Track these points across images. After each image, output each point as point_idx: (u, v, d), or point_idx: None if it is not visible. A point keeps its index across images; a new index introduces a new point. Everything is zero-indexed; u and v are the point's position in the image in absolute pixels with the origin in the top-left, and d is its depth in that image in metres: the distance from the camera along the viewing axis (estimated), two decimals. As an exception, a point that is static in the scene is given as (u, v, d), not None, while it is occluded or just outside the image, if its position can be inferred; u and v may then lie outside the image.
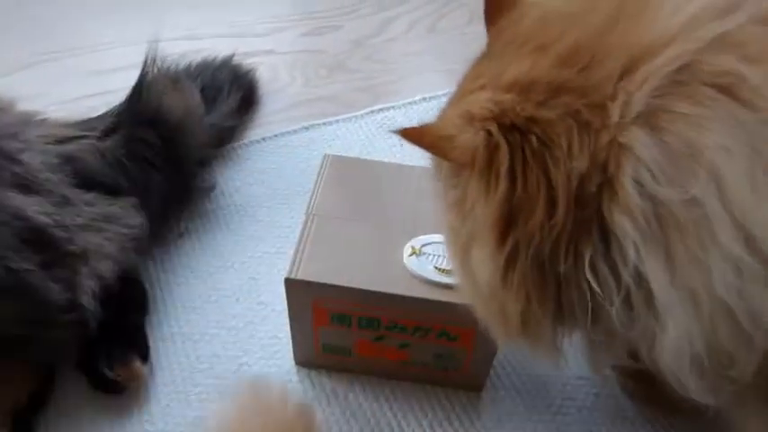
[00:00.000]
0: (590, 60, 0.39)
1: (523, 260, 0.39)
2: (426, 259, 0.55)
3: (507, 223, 0.39)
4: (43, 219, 0.54)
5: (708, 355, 0.36)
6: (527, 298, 0.40)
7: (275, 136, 0.90)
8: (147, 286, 0.68)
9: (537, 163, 0.38)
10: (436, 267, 0.54)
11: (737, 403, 0.43)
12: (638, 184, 0.35)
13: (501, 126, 0.39)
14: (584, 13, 0.41)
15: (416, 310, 0.54)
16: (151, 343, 0.64)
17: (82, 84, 0.97)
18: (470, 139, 0.40)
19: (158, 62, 0.74)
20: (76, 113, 0.73)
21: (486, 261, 0.40)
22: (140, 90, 0.71)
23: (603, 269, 0.38)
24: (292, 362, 0.64)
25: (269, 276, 0.71)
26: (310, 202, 0.60)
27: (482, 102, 0.41)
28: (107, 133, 0.67)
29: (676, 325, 0.37)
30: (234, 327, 0.67)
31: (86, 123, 0.70)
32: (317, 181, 0.62)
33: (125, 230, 0.60)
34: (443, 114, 0.46)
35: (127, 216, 0.62)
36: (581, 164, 0.37)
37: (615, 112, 0.37)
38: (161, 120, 0.70)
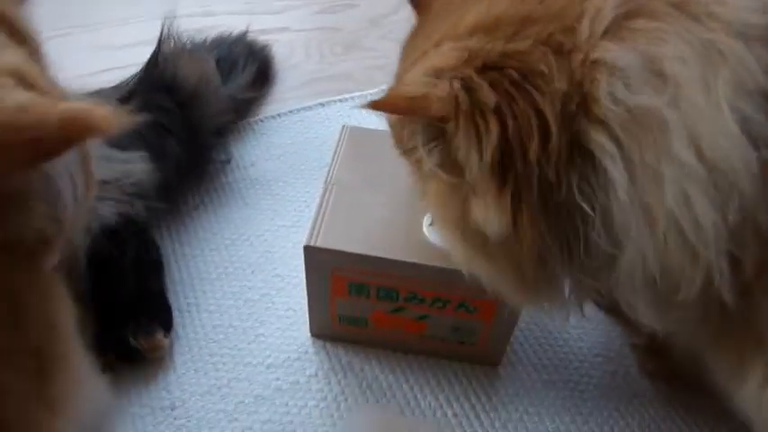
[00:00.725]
0: None
1: (528, 198, 0.38)
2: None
3: (506, 164, 0.38)
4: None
5: (659, 274, 0.37)
6: (540, 236, 0.39)
7: (291, 112, 0.89)
8: (162, 256, 0.68)
9: (522, 95, 0.38)
10: (456, 237, 0.53)
11: (701, 342, 0.45)
12: (611, 95, 0.36)
13: (476, 69, 0.39)
14: None
15: (436, 281, 0.54)
16: (167, 313, 0.64)
17: (95, 59, 0.96)
18: (447, 89, 0.39)
19: (174, 36, 0.74)
20: (90, 89, 0.73)
21: (491, 210, 0.40)
22: (157, 59, 0.71)
23: (588, 191, 0.38)
24: (308, 334, 0.64)
25: (284, 249, 0.71)
26: (329, 172, 0.60)
27: (446, 53, 0.40)
28: (123, 101, 0.67)
29: (632, 244, 0.37)
30: (250, 299, 0.66)
31: (101, 92, 0.70)
32: (335, 151, 0.62)
33: (128, 177, 0.60)
34: (404, 79, 0.43)
35: (131, 160, 0.61)
36: (561, 85, 0.37)
37: (584, 30, 0.37)
38: (177, 87, 0.70)
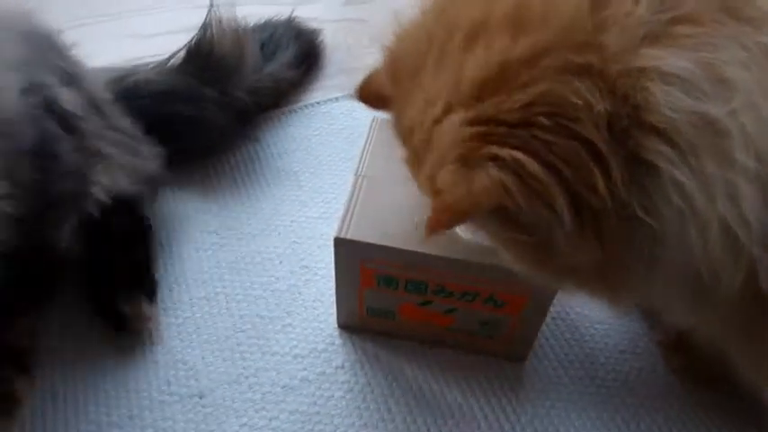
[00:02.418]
0: (542, 10, 0.36)
1: (608, 222, 0.36)
2: (477, 224, 0.54)
3: (580, 204, 0.35)
4: (71, 108, 0.56)
5: (704, 272, 0.36)
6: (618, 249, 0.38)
7: (317, 103, 0.89)
8: (151, 228, 0.69)
9: (562, 137, 0.35)
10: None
11: (730, 337, 0.44)
12: (670, 102, 0.34)
13: (501, 141, 0.35)
14: None
15: (465, 274, 0.54)
16: (195, 302, 0.65)
17: (125, 47, 0.97)
18: (486, 180, 0.35)
19: (218, 18, 0.77)
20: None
21: (579, 248, 0.37)
22: (202, 34, 0.75)
23: (645, 198, 0.36)
24: (335, 325, 0.64)
25: (312, 240, 0.71)
26: (359, 165, 0.60)
27: (461, 132, 0.37)
28: (163, 79, 0.70)
29: (680, 245, 0.36)
30: (277, 289, 0.67)
31: (137, 66, 0.72)
32: (365, 143, 0.62)
33: (143, 164, 0.64)
34: (438, 184, 0.39)
35: (149, 156, 0.66)
36: (604, 106, 0.34)
37: (614, 42, 0.35)
38: (217, 58, 0.74)
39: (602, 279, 0.40)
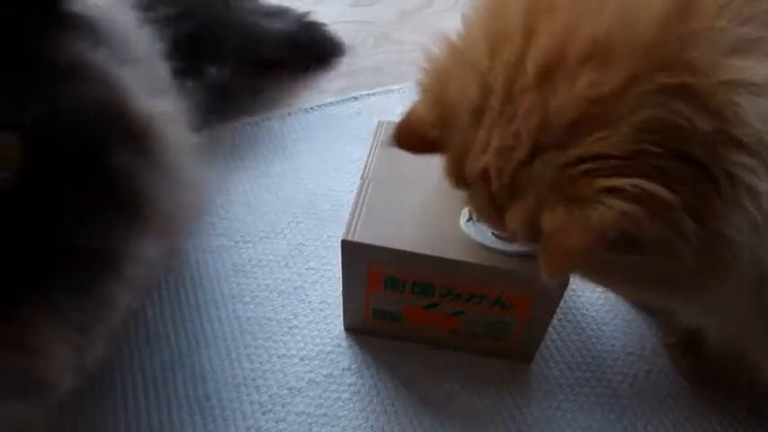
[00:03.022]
0: (622, 38, 0.35)
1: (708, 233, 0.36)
2: (484, 225, 0.54)
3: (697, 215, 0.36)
4: None
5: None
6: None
7: (322, 105, 0.89)
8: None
9: (675, 159, 0.35)
10: (494, 233, 0.53)
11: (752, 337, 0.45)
12: (760, 115, 0.33)
13: (615, 173, 0.35)
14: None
15: (473, 277, 0.54)
16: (201, 304, 0.65)
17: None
18: (608, 214, 0.35)
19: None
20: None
21: (691, 259, 0.37)
22: None
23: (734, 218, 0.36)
24: (342, 327, 0.64)
25: (318, 243, 0.71)
26: (365, 168, 0.60)
27: (566, 173, 0.37)
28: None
29: (751, 252, 0.36)
30: (284, 291, 0.67)
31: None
32: (371, 146, 0.62)
33: None
34: (520, 221, 0.39)
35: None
36: (706, 125, 0.34)
37: (699, 57, 0.34)
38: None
39: (691, 286, 0.41)
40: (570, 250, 0.37)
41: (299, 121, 0.87)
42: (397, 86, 0.93)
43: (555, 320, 0.64)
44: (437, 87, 0.43)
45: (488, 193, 0.41)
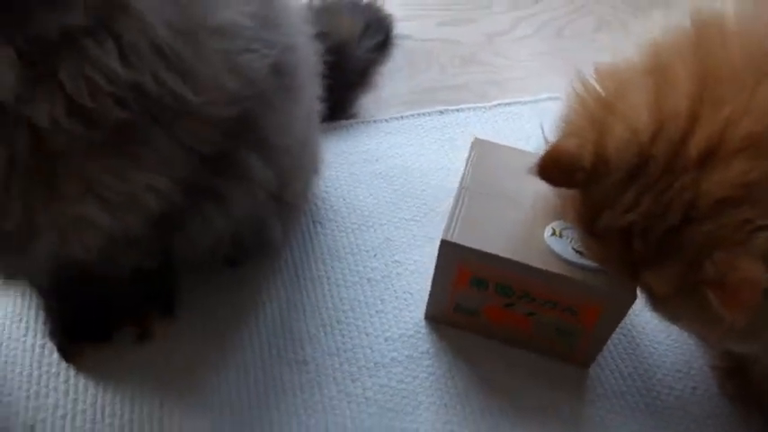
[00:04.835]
0: None
1: None
2: (566, 241, 0.62)
3: None
4: None
5: None
6: None
7: (413, 115, 0.98)
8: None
9: None
10: (574, 249, 0.61)
11: None
12: None
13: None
14: None
15: (551, 285, 0.61)
16: (302, 282, 0.74)
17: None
18: None
19: None
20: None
21: None
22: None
23: None
24: (422, 315, 0.72)
25: (404, 239, 0.80)
26: (463, 177, 0.68)
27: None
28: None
29: None
30: (372, 278, 0.76)
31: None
32: (468, 160, 0.70)
33: None
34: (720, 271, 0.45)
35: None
36: None
37: None
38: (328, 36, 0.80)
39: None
40: (750, 280, 0.42)
41: (390, 127, 0.95)
42: (480, 104, 1.01)
43: (614, 333, 0.71)
44: (590, 134, 0.49)
45: (624, 248, 0.49)
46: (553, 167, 0.50)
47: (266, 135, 0.56)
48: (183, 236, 0.57)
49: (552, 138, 0.54)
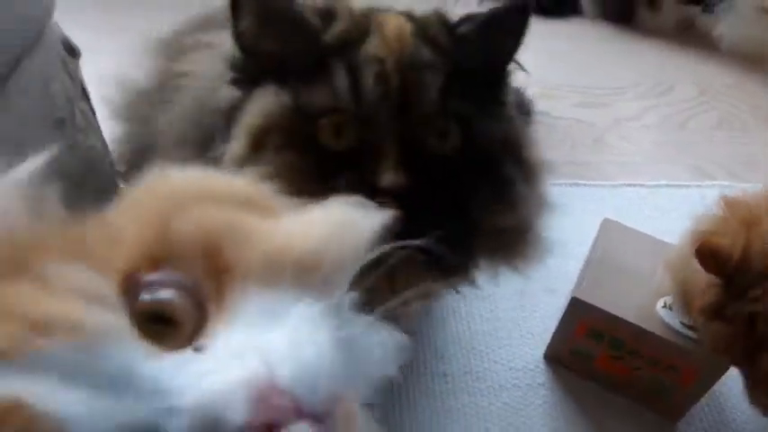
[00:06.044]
0: None
1: None
2: (675, 313, 0.76)
3: None
4: None
5: None
6: None
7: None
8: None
9: None
10: (682, 322, 0.75)
11: None
12: None
13: None
14: None
15: (659, 347, 0.76)
16: (444, 312, 0.92)
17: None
18: None
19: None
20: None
21: None
22: None
23: None
24: (542, 354, 0.88)
25: (532, 291, 0.96)
26: (593, 246, 0.84)
27: None
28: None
29: None
30: (501, 318, 0.92)
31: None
32: (597, 236, 0.86)
33: None
34: None
35: None
36: None
37: None
38: None
39: None
40: None
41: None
42: (605, 183, 1.16)
43: (703, 398, 0.84)
44: (740, 240, 0.64)
45: (747, 331, 0.64)
46: (710, 256, 0.64)
47: None
48: None
49: (696, 229, 0.70)
